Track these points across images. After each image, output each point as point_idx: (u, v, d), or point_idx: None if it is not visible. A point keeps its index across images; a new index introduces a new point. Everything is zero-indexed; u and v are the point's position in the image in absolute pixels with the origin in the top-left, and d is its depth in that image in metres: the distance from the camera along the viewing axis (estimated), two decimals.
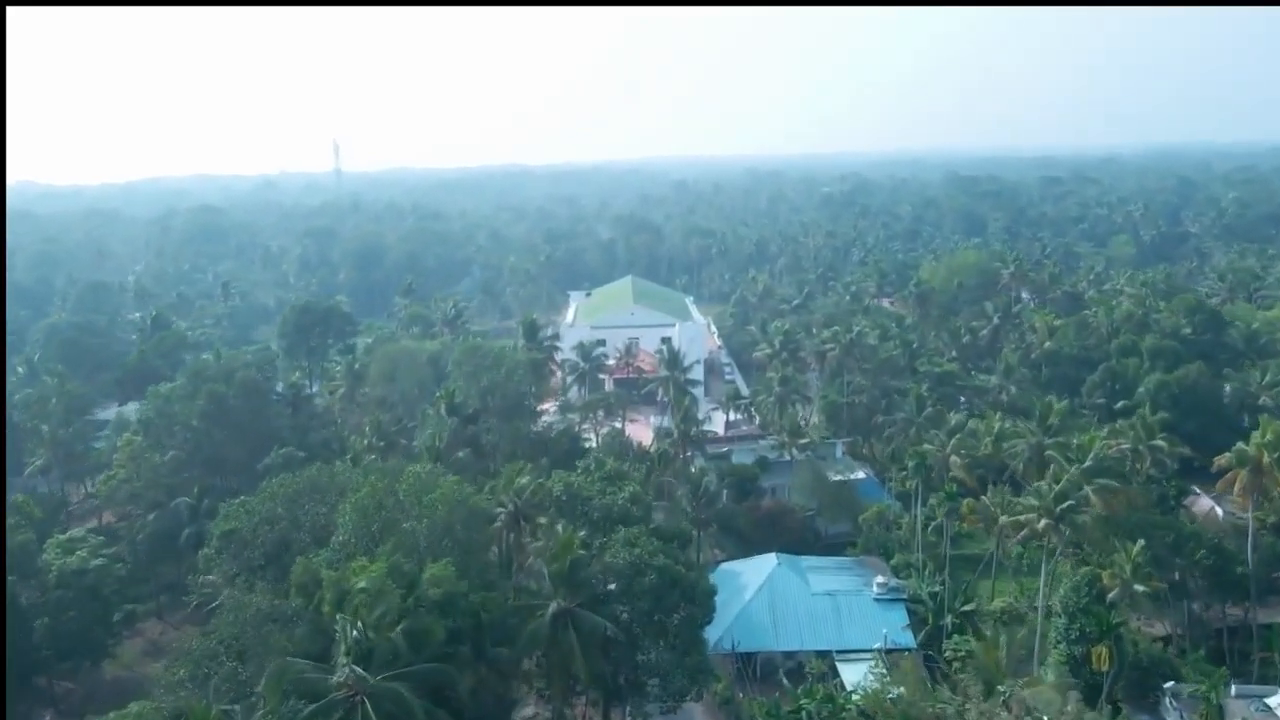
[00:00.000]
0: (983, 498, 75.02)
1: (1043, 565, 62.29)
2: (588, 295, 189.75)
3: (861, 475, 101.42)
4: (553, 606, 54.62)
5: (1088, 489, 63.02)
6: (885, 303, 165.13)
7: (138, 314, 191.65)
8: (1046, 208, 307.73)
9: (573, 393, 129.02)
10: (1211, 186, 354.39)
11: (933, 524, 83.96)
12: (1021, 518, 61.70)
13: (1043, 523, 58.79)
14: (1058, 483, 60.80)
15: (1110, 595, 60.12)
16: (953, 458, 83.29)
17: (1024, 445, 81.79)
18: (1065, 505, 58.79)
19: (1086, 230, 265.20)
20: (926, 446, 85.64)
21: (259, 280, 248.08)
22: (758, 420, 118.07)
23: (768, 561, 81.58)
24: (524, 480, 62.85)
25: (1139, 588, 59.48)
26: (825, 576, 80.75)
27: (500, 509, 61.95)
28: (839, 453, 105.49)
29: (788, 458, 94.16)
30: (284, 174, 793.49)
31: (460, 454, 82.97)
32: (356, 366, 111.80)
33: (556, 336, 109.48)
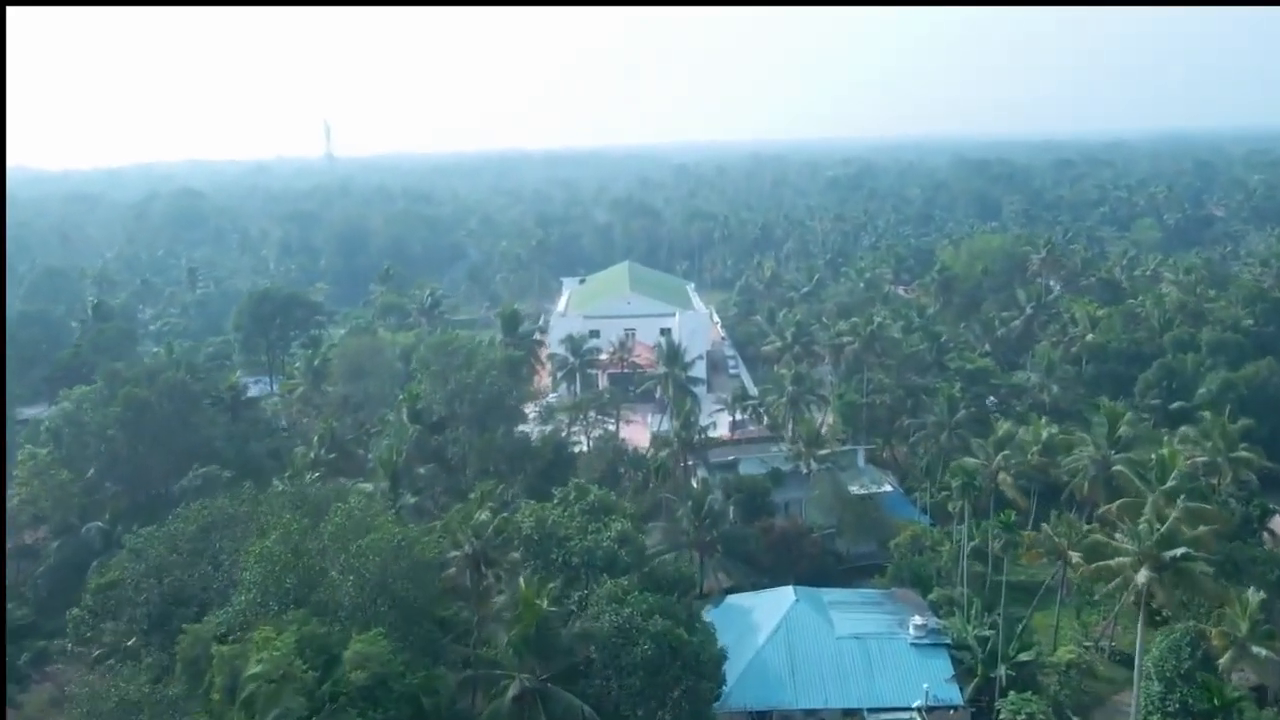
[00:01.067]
0: (1044, 526, 62.58)
1: (1139, 625, 49.68)
2: (581, 282, 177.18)
3: (888, 488, 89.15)
4: (515, 685, 42.38)
5: (1189, 529, 50.05)
6: (900, 290, 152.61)
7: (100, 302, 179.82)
8: (1062, 191, 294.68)
9: (561, 391, 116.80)
10: (1233, 169, 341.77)
11: (972, 544, 71.78)
12: (1113, 563, 49.17)
13: (1143, 575, 46.32)
14: (1161, 522, 48.03)
15: (1221, 661, 47.86)
16: (1002, 474, 70.85)
17: (1087, 460, 69.31)
18: (1177, 554, 46.07)
19: (1107, 214, 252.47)
20: (970, 460, 73.20)
21: (236, 267, 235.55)
22: (766, 420, 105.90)
23: (783, 596, 69.29)
24: (484, 515, 50.34)
25: (1259, 650, 47.14)
26: (852, 615, 68.46)
27: (455, 552, 49.52)
28: (860, 461, 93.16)
29: (805, 470, 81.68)
30: (280, 159, 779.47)
31: (422, 469, 70.78)
32: (317, 363, 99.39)
33: (540, 329, 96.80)
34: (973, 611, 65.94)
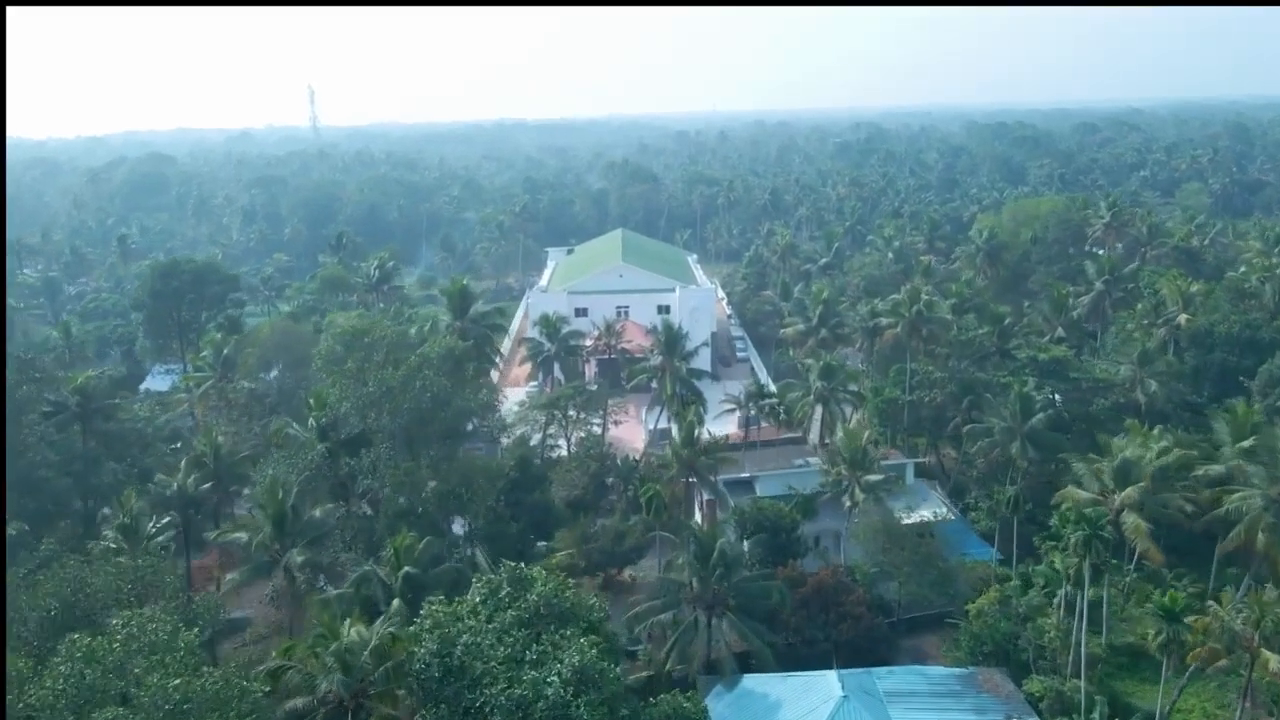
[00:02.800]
0: (1214, 607, 42.72)
1: None
2: (569, 253, 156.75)
3: (950, 516, 69.44)
4: None
5: None
6: (929, 260, 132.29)
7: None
8: (1094, 154, 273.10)
9: (538, 382, 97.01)
10: (1271, 132, 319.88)
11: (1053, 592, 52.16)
12: None
13: None
14: None
15: None
16: (1130, 516, 51.04)
17: (1258, 501, 49.44)
18: None
19: (1148, 178, 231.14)
20: (1079, 493, 53.31)
21: (195, 236, 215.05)
22: (784, 418, 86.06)
23: (824, 688, 49.64)
24: (355, 633, 30.48)
25: None
26: (922, 715, 49.01)
27: (305, 698, 29.70)
28: (910, 477, 73.33)
29: (848, 503, 61.62)
30: (270, 128, 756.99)
31: (318, 511, 50.85)
32: (227, 351, 79.53)
33: (499, 312, 76.08)
34: (1095, 716, 46.42)
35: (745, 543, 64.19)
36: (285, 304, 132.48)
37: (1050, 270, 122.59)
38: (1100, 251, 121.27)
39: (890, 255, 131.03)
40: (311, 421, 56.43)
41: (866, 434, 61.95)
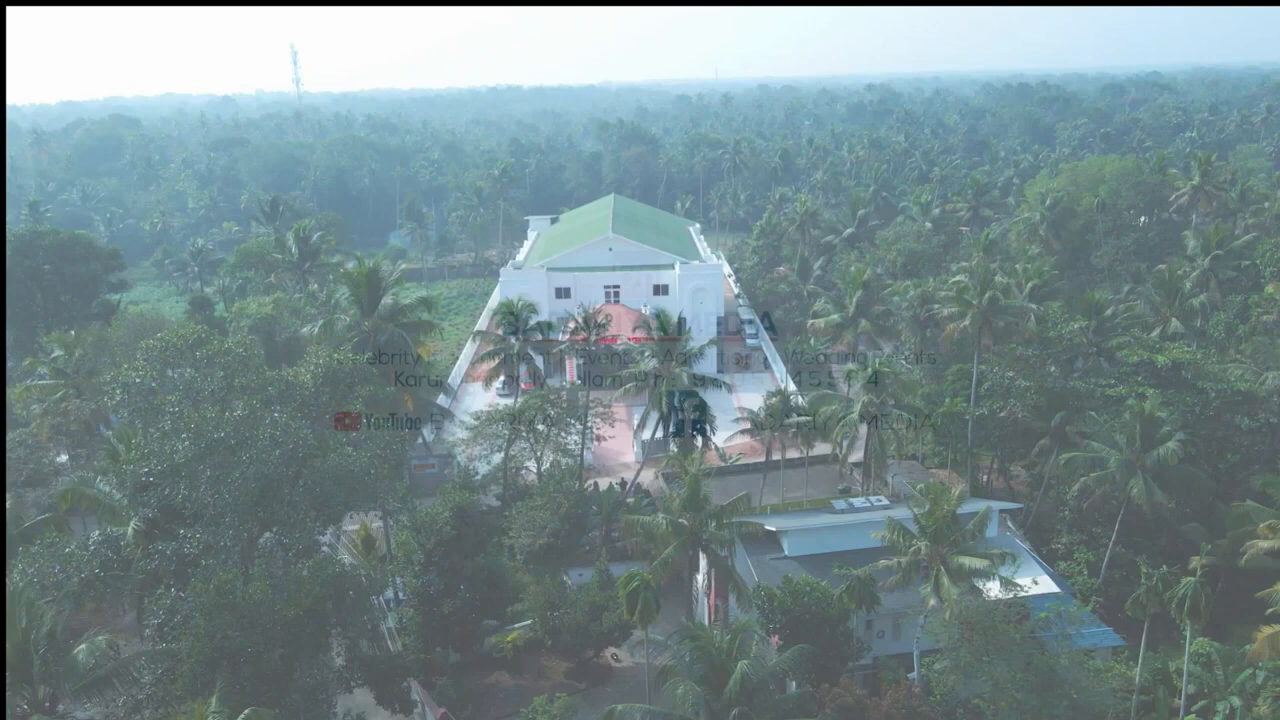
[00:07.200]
0: None
1: None
2: (553, 222, 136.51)
3: (1055, 588, 49.87)
4: None
5: None
6: (989, 233, 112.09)
7: None
8: (1133, 114, 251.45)
9: (501, 385, 77.41)
10: None
11: None
12: None
13: None
14: None
15: None
16: None
17: None
18: None
19: (1196, 139, 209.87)
20: None
21: (146, 202, 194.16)
22: (802, 424, 66.43)
23: None
24: None
25: None
26: None
27: None
28: (993, 528, 53.59)
29: (932, 601, 41.49)
30: (260, 93, 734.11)
31: (102, 639, 31.21)
32: (79, 353, 59.93)
33: (425, 305, 55.51)
34: None
35: (772, 638, 45.00)
36: (220, 278, 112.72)
37: (1120, 244, 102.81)
38: (1203, 220, 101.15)
39: (929, 225, 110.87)
40: (111, 484, 36.72)
41: (958, 491, 41.98)
